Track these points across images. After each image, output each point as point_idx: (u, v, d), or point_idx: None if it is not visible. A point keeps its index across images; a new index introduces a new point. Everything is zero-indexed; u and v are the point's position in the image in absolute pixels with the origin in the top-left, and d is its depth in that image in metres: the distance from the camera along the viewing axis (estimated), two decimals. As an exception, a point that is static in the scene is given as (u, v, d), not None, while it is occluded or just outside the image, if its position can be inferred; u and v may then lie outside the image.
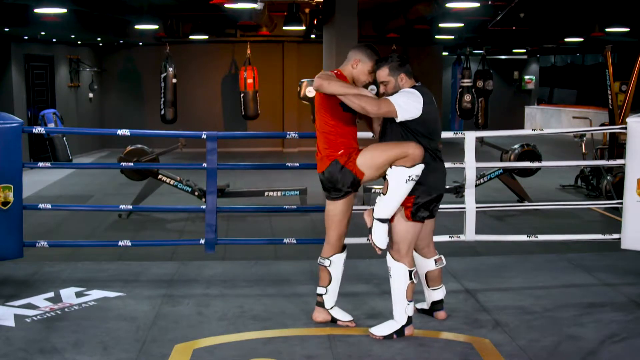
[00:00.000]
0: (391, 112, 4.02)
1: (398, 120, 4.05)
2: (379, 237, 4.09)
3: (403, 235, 4.13)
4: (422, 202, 4.12)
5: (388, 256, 4.18)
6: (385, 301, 4.83)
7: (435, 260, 4.47)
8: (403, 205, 4.10)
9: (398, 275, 4.14)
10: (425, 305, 4.58)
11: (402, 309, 4.17)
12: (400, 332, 4.17)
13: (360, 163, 4.11)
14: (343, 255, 4.39)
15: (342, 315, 4.40)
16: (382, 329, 4.19)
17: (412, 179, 4.00)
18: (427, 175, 4.10)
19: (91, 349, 4.02)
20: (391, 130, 4.16)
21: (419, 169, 4.00)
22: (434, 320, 4.48)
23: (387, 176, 4.05)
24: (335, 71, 4.26)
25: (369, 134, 5.31)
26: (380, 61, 4.21)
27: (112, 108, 17.11)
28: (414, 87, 4.17)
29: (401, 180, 3.99)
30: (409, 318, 4.18)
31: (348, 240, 5.40)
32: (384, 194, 4.06)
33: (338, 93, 4.04)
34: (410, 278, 4.14)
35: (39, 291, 5.06)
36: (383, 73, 4.19)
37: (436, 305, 4.52)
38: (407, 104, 4.03)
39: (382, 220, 4.07)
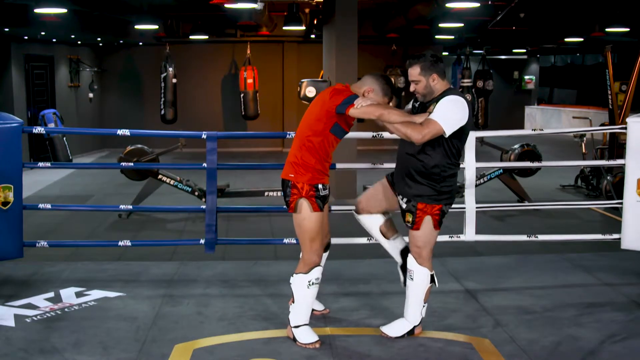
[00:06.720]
0: (437, 132, 3.84)
1: (447, 135, 3.90)
2: (305, 339, 4.07)
3: (427, 240, 4.11)
4: (447, 210, 4.10)
5: (411, 260, 4.16)
6: (386, 301, 4.84)
7: (383, 214, 4.40)
8: (430, 214, 4.04)
9: (421, 279, 4.14)
10: (399, 259, 4.39)
11: (417, 311, 4.19)
12: (410, 332, 4.20)
13: (296, 220, 4.09)
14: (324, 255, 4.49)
15: (317, 305, 4.58)
16: (394, 330, 4.20)
17: (312, 283, 4.07)
18: (452, 182, 4.06)
19: (91, 349, 4.02)
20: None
21: (317, 272, 4.08)
22: (434, 320, 4.48)
23: (291, 284, 4.11)
24: (345, 87, 4.07)
25: (369, 134, 5.33)
26: (412, 58, 4.03)
27: (112, 108, 17.09)
28: (449, 89, 4.01)
29: (303, 287, 4.07)
30: (421, 319, 4.22)
31: (349, 241, 5.42)
32: (292, 303, 4.13)
33: (395, 122, 3.88)
34: (432, 281, 4.16)
35: (39, 291, 5.06)
36: (414, 72, 4.01)
37: (405, 252, 4.33)
38: (454, 116, 3.87)
39: (298, 327, 4.10)
